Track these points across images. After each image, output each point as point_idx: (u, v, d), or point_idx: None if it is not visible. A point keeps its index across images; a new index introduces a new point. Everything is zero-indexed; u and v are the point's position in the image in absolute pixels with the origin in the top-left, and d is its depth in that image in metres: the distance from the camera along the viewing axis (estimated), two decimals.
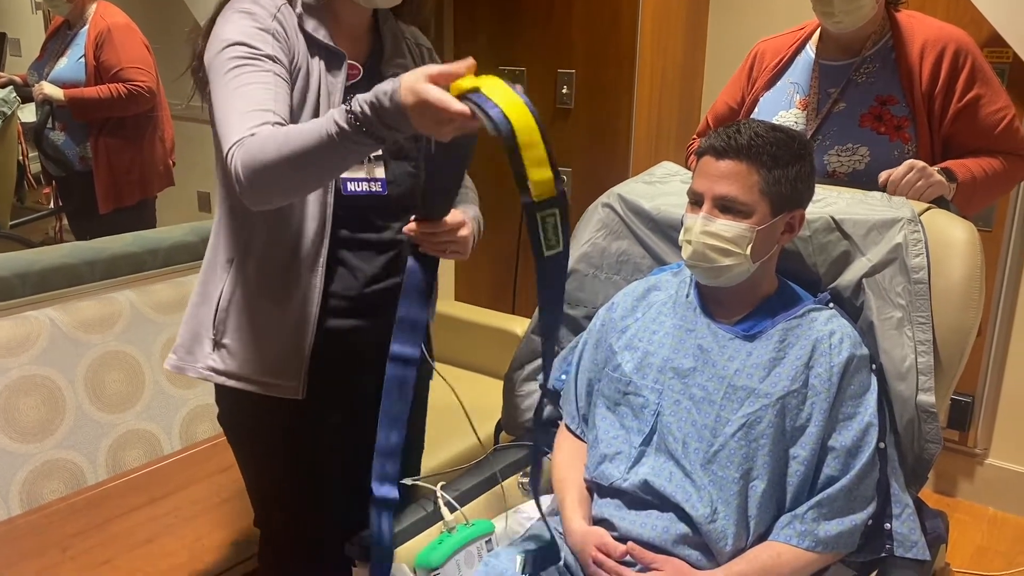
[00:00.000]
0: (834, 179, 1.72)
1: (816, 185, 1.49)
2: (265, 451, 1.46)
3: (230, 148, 1.13)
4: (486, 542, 1.43)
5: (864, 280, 1.43)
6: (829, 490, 1.29)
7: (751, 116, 1.87)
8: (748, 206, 1.32)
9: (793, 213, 1.37)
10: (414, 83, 1.03)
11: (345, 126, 1.07)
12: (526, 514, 1.55)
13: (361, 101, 1.06)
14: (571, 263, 1.71)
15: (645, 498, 1.34)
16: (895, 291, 1.40)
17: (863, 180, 1.68)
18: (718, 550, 1.29)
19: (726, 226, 1.32)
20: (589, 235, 1.71)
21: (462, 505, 1.47)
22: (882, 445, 1.31)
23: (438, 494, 1.44)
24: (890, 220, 1.43)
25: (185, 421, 2.17)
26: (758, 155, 1.31)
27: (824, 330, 1.35)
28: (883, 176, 1.60)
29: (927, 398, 1.36)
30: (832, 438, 1.31)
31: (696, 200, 1.37)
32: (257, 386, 1.36)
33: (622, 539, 1.33)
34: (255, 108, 1.16)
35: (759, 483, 1.31)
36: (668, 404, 1.39)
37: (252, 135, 1.12)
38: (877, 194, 1.53)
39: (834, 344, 1.34)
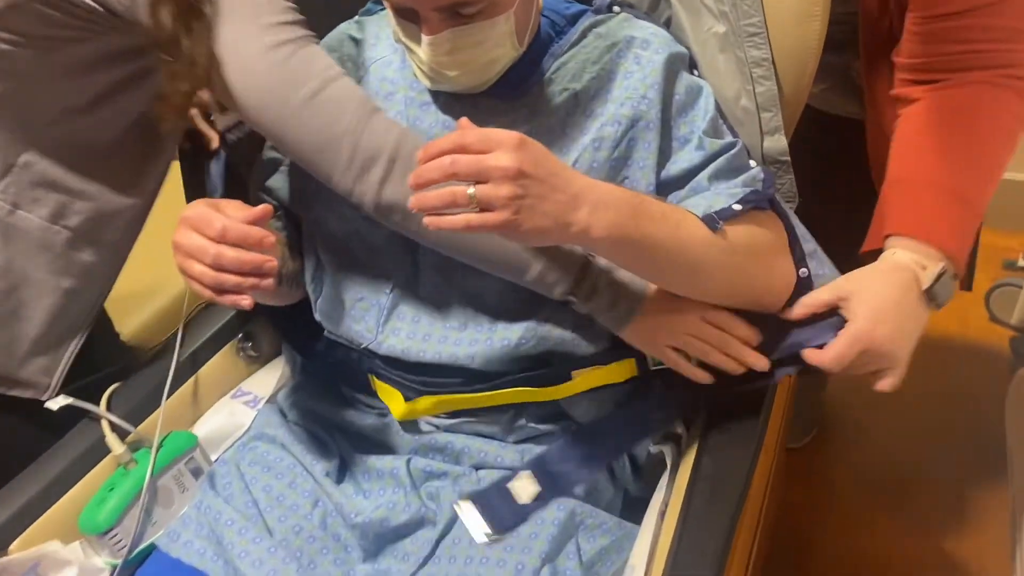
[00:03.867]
0: None
1: None
2: None
3: None
4: (187, 463, 1.00)
5: None
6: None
7: None
8: None
9: None
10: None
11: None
12: (252, 395, 1.11)
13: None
14: None
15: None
16: None
17: None
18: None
19: (470, 38, 0.81)
20: None
21: (149, 413, 1.02)
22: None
23: (101, 415, 0.98)
24: None
25: None
26: None
27: (619, 38, 0.91)
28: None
29: (776, 144, 0.95)
30: (666, 168, 0.90)
31: (405, 14, 0.82)
32: None
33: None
34: None
35: None
36: None
37: None
38: None
39: (639, 53, 0.90)
